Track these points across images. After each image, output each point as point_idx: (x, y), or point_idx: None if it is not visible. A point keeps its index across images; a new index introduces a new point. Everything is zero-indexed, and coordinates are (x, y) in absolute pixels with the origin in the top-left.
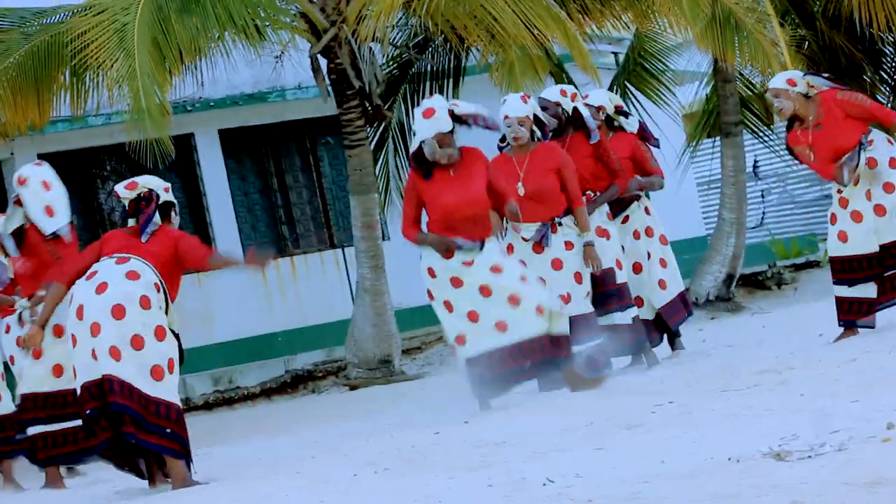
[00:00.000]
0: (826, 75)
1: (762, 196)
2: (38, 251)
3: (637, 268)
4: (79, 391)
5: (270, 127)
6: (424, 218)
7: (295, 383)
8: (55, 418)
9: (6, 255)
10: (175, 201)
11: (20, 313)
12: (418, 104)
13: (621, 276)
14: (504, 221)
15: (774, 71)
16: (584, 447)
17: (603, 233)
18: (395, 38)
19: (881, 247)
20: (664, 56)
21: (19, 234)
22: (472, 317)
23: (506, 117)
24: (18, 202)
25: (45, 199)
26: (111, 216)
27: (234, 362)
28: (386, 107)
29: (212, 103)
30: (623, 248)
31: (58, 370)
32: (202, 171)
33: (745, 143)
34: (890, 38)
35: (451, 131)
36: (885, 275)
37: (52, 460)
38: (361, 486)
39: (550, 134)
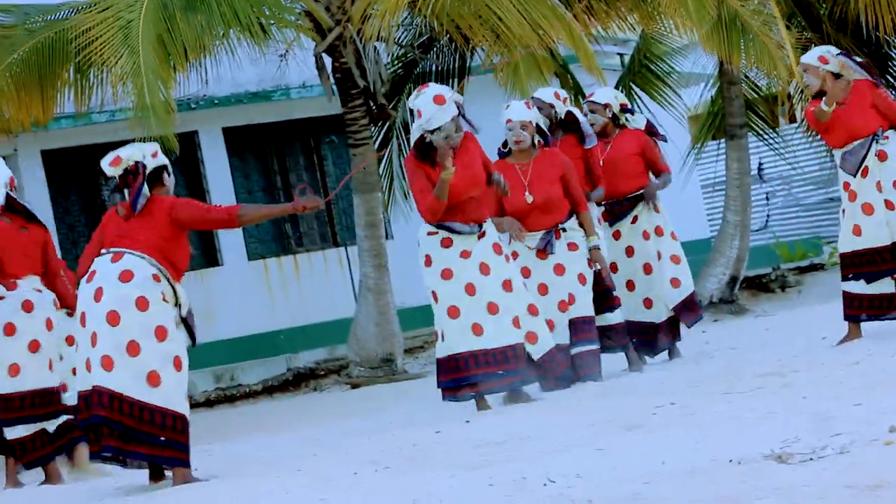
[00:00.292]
0: (859, 60)
1: (767, 198)
2: None
3: (647, 268)
4: (76, 399)
5: (274, 125)
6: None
7: (297, 381)
8: (22, 420)
9: None
10: (166, 162)
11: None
12: None
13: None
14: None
15: (780, 73)
16: (585, 447)
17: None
18: (399, 38)
19: (894, 244)
20: (670, 58)
21: None
22: (453, 312)
23: (508, 121)
24: None
25: None
26: None
27: (237, 359)
28: (390, 106)
29: (216, 101)
30: (633, 249)
31: (14, 370)
32: (206, 169)
33: (750, 145)
34: None
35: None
36: None
37: (33, 464)
38: (362, 484)
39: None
